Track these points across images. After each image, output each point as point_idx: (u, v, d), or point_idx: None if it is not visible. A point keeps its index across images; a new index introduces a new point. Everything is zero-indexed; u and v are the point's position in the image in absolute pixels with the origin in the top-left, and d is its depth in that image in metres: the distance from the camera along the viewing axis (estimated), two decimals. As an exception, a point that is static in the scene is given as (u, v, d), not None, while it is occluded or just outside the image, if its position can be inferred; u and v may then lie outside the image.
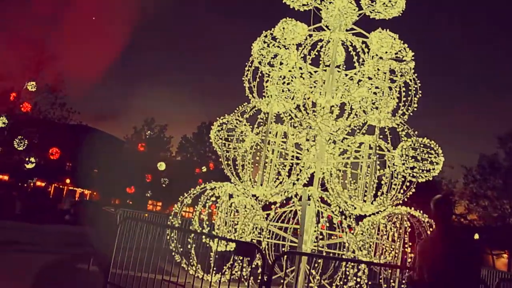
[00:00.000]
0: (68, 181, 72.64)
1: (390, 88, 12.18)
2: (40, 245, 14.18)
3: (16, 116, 29.78)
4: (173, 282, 7.90)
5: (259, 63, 11.70)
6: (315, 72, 11.99)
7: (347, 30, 12.35)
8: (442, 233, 4.82)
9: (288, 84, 12.12)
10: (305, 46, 11.53)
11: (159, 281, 7.80)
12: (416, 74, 11.97)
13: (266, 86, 11.87)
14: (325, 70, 12.13)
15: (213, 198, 10.72)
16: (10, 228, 17.26)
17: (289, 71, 11.77)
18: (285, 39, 12.00)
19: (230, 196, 11.06)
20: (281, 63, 11.58)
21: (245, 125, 12.07)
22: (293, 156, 11.90)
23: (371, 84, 12.10)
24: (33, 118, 30.27)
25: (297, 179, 11.30)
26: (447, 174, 43.92)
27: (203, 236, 9.75)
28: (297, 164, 11.34)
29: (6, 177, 59.60)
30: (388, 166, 11.55)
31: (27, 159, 31.48)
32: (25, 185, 60.53)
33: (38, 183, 69.76)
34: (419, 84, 12.00)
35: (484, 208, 41.60)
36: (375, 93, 12.32)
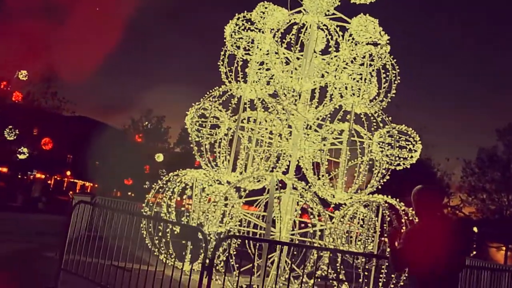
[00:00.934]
0: (68, 173, 72.77)
1: (372, 75, 11.92)
2: (11, 234, 13.99)
3: (6, 105, 29.54)
4: (129, 269, 7.61)
5: (234, 47, 11.38)
6: (294, 57, 11.63)
7: (328, 16, 12.01)
8: (436, 222, 4.57)
9: (266, 70, 11.84)
10: (278, 29, 11.18)
11: (115, 268, 7.53)
12: (395, 60, 11.64)
13: (240, 72, 11.56)
14: (301, 55, 11.81)
15: (182, 185, 10.45)
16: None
17: (266, 54, 11.45)
18: (265, 24, 11.69)
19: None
20: (257, 47, 11.27)
21: (220, 111, 11.76)
22: (269, 143, 11.60)
23: (352, 70, 11.81)
24: (24, 108, 30.00)
25: (274, 167, 11.02)
26: (443, 167, 43.69)
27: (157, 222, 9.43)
28: (268, 151, 11.05)
29: (5, 169, 59.75)
30: (364, 154, 11.27)
31: (19, 149, 31.23)
32: (25, 177, 60.66)
33: (38, 175, 70.00)
34: (398, 70, 11.65)
35: (482, 201, 41.29)
36: (356, 79, 12.05)
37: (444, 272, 4.34)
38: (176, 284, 6.56)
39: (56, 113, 34.65)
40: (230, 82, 11.75)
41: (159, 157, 54.68)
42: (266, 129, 11.65)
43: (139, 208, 17.13)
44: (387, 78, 11.63)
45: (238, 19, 11.41)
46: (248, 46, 11.72)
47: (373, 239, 11.27)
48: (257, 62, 11.71)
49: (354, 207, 11.52)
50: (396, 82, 11.56)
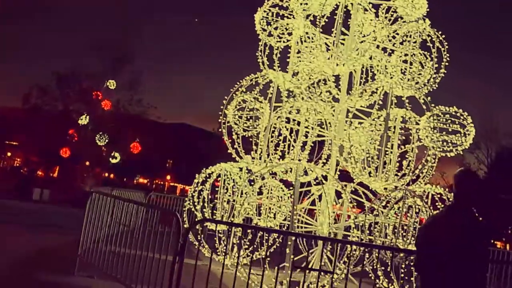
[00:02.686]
0: (168, 177, 76.28)
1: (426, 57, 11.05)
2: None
3: (97, 114, 31.58)
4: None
5: (266, 34, 11.09)
6: (335, 41, 11.06)
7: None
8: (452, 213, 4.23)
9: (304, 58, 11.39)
10: (319, 15, 10.66)
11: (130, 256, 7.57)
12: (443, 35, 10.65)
13: (277, 61, 11.21)
14: (343, 40, 11.24)
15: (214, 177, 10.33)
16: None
17: (303, 41, 11.00)
18: (307, 9, 11.25)
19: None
20: (289, 34, 10.88)
21: (261, 102, 11.49)
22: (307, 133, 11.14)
23: (400, 52, 11.03)
24: (113, 114, 31.88)
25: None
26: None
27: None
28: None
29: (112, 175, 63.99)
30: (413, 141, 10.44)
31: (111, 154, 33.16)
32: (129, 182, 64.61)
33: (141, 180, 74.11)
34: (447, 46, 10.65)
35: None
36: (406, 61, 11.24)
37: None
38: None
39: (153, 121, 36.70)
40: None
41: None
42: (307, 119, 11.20)
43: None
44: (435, 58, 10.73)
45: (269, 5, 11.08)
46: (282, 33, 11.30)
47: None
48: (295, 51, 11.29)
49: (410, 200, 10.72)
50: (444, 61, 10.59)
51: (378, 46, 11.07)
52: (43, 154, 38.67)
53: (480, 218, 4.23)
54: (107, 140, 31.22)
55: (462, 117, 10.08)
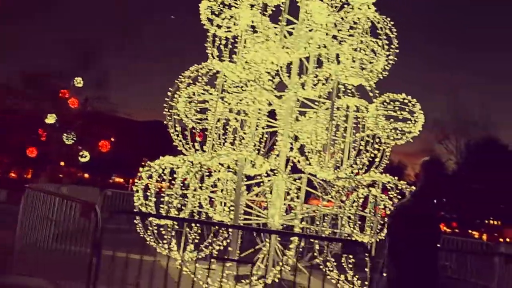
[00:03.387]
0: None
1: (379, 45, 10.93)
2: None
3: (65, 112, 31.03)
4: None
5: (210, 23, 10.85)
6: (281, 30, 10.85)
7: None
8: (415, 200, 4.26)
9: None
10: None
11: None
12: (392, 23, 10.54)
13: (224, 50, 10.99)
14: (292, 29, 11.06)
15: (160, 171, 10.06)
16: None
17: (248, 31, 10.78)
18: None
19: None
20: (234, 24, 10.66)
21: (211, 93, 11.25)
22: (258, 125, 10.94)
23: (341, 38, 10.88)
24: (80, 113, 31.38)
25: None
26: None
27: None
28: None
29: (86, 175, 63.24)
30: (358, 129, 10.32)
31: (80, 153, 32.61)
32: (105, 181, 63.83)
33: (117, 179, 73.25)
34: (395, 34, 10.53)
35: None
36: (359, 50, 11.11)
37: None
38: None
39: (124, 118, 36.19)
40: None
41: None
42: (259, 111, 10.99)
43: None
44: (385, 46, 10.61)
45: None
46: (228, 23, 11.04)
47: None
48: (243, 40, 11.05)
49: (363, 190, 10.60)
50: (392, 48, 10.48)
51: (327, 34, 10.91)
52: (14, 155, 38.06)
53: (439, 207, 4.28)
54: (74, 139, 30.67)
55: (410, 104, 9.96)
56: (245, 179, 10.83)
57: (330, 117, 9.62)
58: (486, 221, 55.47)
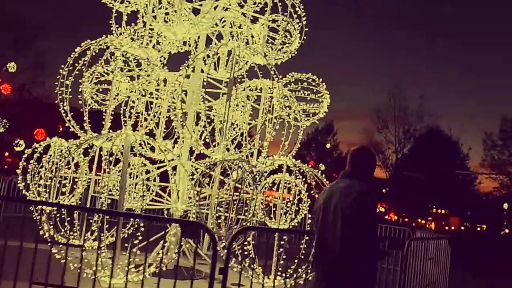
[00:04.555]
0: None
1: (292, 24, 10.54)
2: None
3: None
4: None
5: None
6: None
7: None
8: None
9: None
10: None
11: None
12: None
13: (125, 26, 10.37)
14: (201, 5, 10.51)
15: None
16: None
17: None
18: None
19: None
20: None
21: (112, 72, 10.55)
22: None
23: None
24: (14, 99, 29.96)
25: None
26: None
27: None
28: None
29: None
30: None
31: (15, 142, 31.20)
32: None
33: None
34: (304, 13, 10.15)
35: (508, 174, 38.49)
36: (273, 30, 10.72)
37: None
38: None
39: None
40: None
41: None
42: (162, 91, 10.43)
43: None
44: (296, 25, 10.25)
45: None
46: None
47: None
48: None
49: (278, 175, 10.22)
50: (300, 26, 10.11)
51: (236, 12, 10.47)
52: None
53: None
54: (7, 126, 29.26)
55: (314, 83, 9.62)
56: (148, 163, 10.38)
57: (228, 96, 9.10)
58: (432, 210, 56.76)
